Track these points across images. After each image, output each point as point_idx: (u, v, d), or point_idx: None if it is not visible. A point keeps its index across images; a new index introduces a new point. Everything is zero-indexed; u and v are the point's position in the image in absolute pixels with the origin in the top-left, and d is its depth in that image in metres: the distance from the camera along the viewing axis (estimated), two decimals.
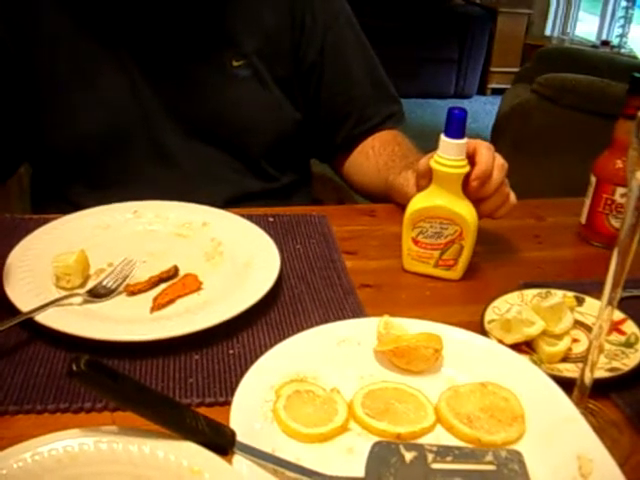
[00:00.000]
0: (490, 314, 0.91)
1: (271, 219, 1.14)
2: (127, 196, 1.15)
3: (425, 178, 1.04)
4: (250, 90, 1.27)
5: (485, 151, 1.01)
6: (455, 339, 0.84)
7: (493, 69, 6.09)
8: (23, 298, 0.89)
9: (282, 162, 1.37)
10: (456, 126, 0.98)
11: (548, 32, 6.31)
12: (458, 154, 0.98)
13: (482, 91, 6.11)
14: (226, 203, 1.19)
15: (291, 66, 1.31)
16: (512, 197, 1.07)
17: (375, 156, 1.32)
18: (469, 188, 1.00)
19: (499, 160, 1.04)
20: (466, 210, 1.00)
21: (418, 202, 1.02)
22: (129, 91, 1.22)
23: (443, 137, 0.99)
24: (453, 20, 5.75)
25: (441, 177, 0.99)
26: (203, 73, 1.25)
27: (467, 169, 0.99)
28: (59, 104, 1.12)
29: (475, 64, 5.91)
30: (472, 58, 5.86)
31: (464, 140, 0.98)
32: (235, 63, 1.25)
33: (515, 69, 5.23)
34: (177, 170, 1.27)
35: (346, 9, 1.36)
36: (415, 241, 1.03)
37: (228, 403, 0.74)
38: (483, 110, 5.55)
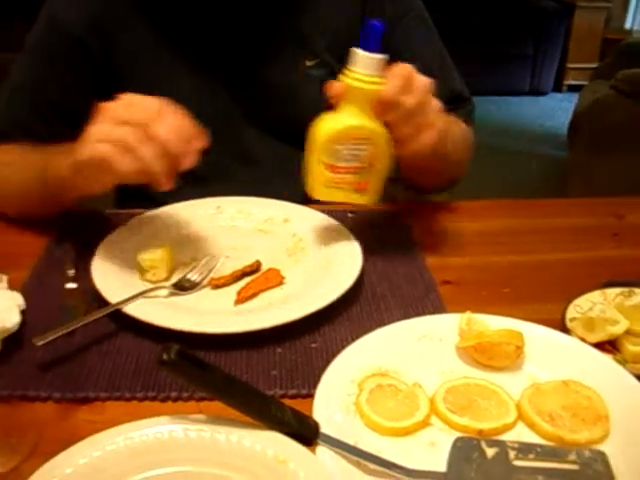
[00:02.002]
0: (572, 312, 0.90)
1: (351, 215, 1.15)
2: (208, 193, 1.17)
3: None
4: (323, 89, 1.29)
5: (398, 70, 0.92)
6: (537, 336, 0.84)
7: (570, 65, 5.96)
8: (111, 290, 0.92)
9: None
10: (372, 37, 0.90)
11: (628, 25, 6.14)
12: (373, 69, 0.91)
13: (558, 88, 5.99)
14: (303, 200, 1.20)
15: None
16: (430, 134, 0.95)
17: None
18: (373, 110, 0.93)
19: (419, 82, 0.94)
20: (381, 129, 0.94)
21: (329, 123, 0.96)
22: (208, 94, 1.24)
23: (356, 49, 0.91)
24: (529, 15, 5.66)
25: (353, 94, 0.92)
26: (278, 74, 1.26)
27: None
28: None
29: (551, 60, 5.80)
30: (548, 54, 5.75)
31: (381, 55, 0.91)
32: (308, 63, 1.26)
33: (593, 65, 5.12)
34: (256, 168, 1.29)
35: (418, 5, 1.34)
36: (329, 166, 0.97)
37: (310, 395, 0.76)
38: (559, 107, 5.44)
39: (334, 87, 0.94)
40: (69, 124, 1.22)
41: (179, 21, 1.23)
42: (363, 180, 0.98)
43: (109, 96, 1.25)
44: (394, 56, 1.28)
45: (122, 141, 0.89)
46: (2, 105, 1.28)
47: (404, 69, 0.92)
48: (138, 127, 0.89)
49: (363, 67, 0.91)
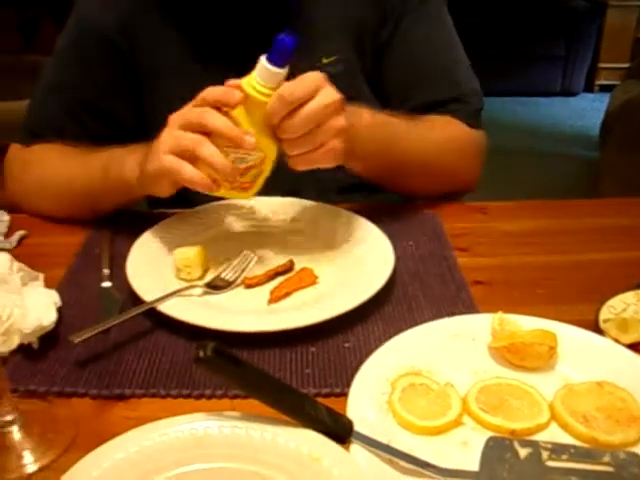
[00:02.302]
0: (605, 313, 0.90)
1: (383, 215, 1.15)
2: None
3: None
4: (341, 86, 1.28)
5: (300, 80, 0.92)
6: (570, 337, 0.83)
7: (601, 65, 5.90)
8: (146, 289, 0.94)
9: None
10: (277, 52, 0.91)
11: None
12: (270, 81, 0.91)
13: (589, 88, 5.94)
14: (330, 196, 1.20)
15: (374, 59, 1.29)
16: (321, 154, 0.95)
17: None
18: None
19: (324, 96, 0.93)
20: (269, 139, 0.95)
21: None
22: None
23: (262, 58, 0.91)
24: (560, 15, 5.62)
25: (248, 100, 0.92)
26: (295, 72, 1.27)
27: None
28: (166, 108, 1.17)
29: (582, 60, 5.75)
30: (579, 54, 5.70)
31: (281, 70, 0.91)
32: (325, 60, 1.25)
33: (625, 64, 5.06)
34: (281, 167, 1.30)
35: (434, 2, 1.30)
36: None
37: (344, 394, 0.77)
38: (591, 108, 5.39)
39: (232, 91, 0.93)
40: (103, 124, 1.24)
41: (200, 22, 1.24)
42: (247, 181, 0.98)
43: (140, 97, 1.27)
44: (389, 46, 1.27)
45: (188, 151, 0.92)
46: (35, 106, 1.30)
47: (308, 76, 0.93)
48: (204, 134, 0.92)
49: (261, 77, 0.91)
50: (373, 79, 1.30)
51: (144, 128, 1.19)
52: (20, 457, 0.72)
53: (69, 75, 1.26)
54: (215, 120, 0.92)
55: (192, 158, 0.93)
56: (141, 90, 1.26)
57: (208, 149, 0.92)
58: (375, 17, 1.25)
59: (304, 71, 0.98)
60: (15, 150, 1.29)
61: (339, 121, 0.94)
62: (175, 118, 0.95)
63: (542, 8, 5.58)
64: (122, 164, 1.07)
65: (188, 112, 0.95)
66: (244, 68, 1.24)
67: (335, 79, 1.26)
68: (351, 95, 1.28)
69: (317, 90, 0.92)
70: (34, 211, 1.22)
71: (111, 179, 1.09)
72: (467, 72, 1.32)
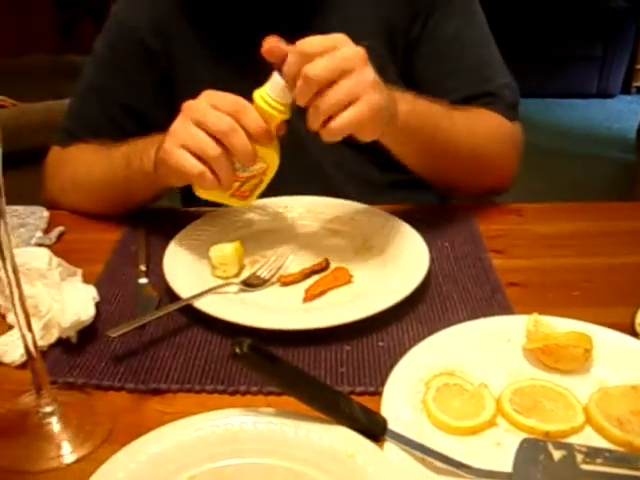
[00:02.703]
0: None
1: (418, 216, 1.15)
2: (268, 192, 1.18)
3: None
4: None
5: (319, 38, 0.87)
6: (606, 340, 0.83)
7: (639, 66, 5.85)
8: (182, 285, 0.95)
9: None
10: None
11: None
12: (281, 96, 0.91)
13: (627, 90, 5.87)
14: (363, 198, 1.20)
15: (407, 58, 1.28)
16: (361, 105, 0.88)
17: None
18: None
19: (346, 50, 0.88)
20: (275, 150, 0.96)
21: None
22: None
23: (275, 73, 0.91)
24: (598, 16, 5.57)
25: (259, 112, 0.92)
26: None
27: (285, 117, 0.93)
28: None
29: (620, 61, 5.69)
30: (617, 55, 5.64)
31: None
32: None
33: None
34: (316, 167, 1.30)
35: None
36: None
37: (378, 393, 0.77)
38: (628, 110, 5.34)
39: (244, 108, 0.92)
40: (139, 125, 1.25)
41: (232, 25, 1.25)
42: (247, 190, 1.00)
43: (174, 98, 1.28)
44: (419, 43, 1.26)
45: (200, 150, 0.93)
46: (73, 108, 1.32)
47: (319, 40, 0.88)
48: (219, 131, 0.92)
49: (273, 91, 0.91)
50: (405, 77, 1.29)
51: None
52: (59, 447, 0.73)
53: (105, 77, 1.28)
54: (235, 139, 0.92)
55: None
56: (174, 91, 1.28)
57: (224, 164, 0.93)
58: (406, 14, 1.25)
59: None
60: (53, 151, 1.32)
61: (368, 73, 0.89)
62: (192, 112, 0.94)
63: (580, 8, 5.53)
64: (142, 155, 1.07)
65: (209, 113, 0.93)
66: (267, 68, 1.25)
67: None
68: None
69: (336, 47, 0.87)
70: (70, 208, 1.25)
71: (133, 171, 1.10)
72: (499, 68, 1.30)
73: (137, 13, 1.26)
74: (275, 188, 1.15)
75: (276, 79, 0.91)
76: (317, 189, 1.20)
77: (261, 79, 1.20)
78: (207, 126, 0.92)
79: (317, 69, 0.85)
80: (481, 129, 1.21)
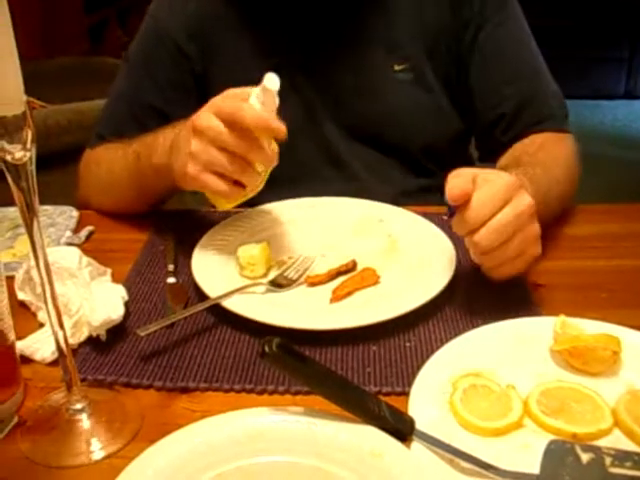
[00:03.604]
0: None
1: (445, 216, 1.15)
2: (300, 193, 1.19)
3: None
4: (411, 94, 1.27)
5: (490, 190, 0.86)
6: (634, 342, 0.83)
7: None
8: (210, 285, 0.95)
9: (443, 159, 1.36)
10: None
11: None
12: (270, 103, 0.93)
13: None
14: (393, 202, 1.21)
15: (452, 65, 1.29)
16: (525, 259, 0.91)
17: (509, 154, 1.22)
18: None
19: (517, 205, 0.87)
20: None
21: None
22: (294, 94, 1.26)
23: (269, 75, 0.93)
24: (625, 17, 5.52)
25: None
26: (366, 78, 1.27)
27: None
28: None
29: None
30: None
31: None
32: (397, 67, 1.26)
33: None
34: (345, 170, 1.31)
35: (512, 3, 1.29)
36: None
37: (405, 393, 0.77)
38: None
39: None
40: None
41: (268, 19, 1.25)
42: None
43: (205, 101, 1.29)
44: (482, 60, 1.26)
45: (228, 172, 0.94)
46: (106, 111, 1.33)
47: (487, 199, 0.86)
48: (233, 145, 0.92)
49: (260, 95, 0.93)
50: (452, 86, 1.30)
51: None
52: (88, 444, 0.74)
53: (135, 80, 1.30)
54: (253, 155, 0.94)
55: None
56: (209, 94, 1.28)
57: (251, 175, 0.95)
58: (453, 23, 1.25)
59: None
60: (85, 154, 1.33)
61: (534, 228, 0.90)
62: (207, 131, 0.94)
63: (607, 9, 5.49)
64: (150, 151, 1.08)
65: (224, 132, 0.93)
66: (308, 66, 1.25)
67: (405, 86, 1.26)
68: (422, 103, 1.28)
69: (508, 200, 0.87)
70: (98, 209, 1.26)
71: (143, 166, 1.11)
72: (547, 73, 1.31)
73: (170, 15, 1.26)
74: (310, 191, 1.15)
75: (267, 87, 0.92)
76: (348, 193, 1.21)
77: (299, 81, 1.21)
78: (226, 145, 0.92)
79: (490, 239, 0.86)
80: (564, 169, 1.17)
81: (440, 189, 1.28)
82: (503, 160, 1.20)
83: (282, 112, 0.94)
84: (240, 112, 0.91)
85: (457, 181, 0.86)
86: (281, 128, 0.92)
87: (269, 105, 0.93)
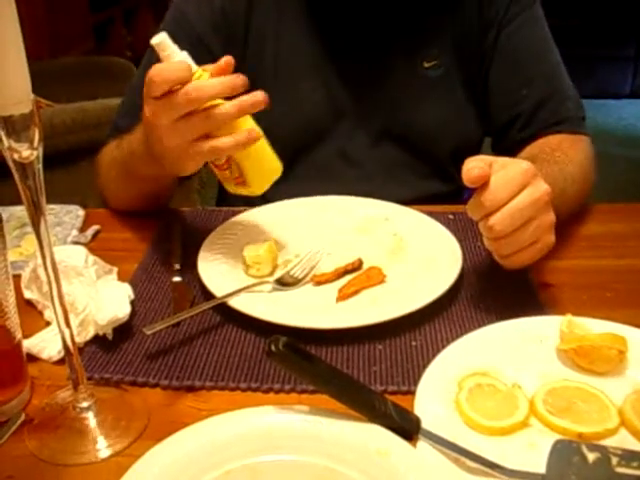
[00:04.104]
0: None
1: (451, 216, 1.15)
2: (311, 191, 1.19)
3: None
4: (439, 93, 1.27)
5: (506, 175, 0.86)
6: None
7: None
8: (216, 284, 0.95)
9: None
10: None
11: None
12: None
13: None
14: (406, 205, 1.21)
15: (475, 64, 1.29)
16: (540, 247, 0.90)
17: (524, 153, 1.22)
18: None
19: (533, 192, 0.87)
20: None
21: None
22: (325, 93, 1.26)
23: None
24: (631, 16, 5.51)
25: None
26: (396, 75, 1.27)
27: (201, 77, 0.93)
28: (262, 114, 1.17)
29: None
30: None
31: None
32: (426, 64, 1.26)
33: None
34: (360, 170, 1.31)
35: (536, 4, 1.30)
36: (212, 164, 0.98)
37: (410, 392, 0.77)
38: None
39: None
40: None
41: (301, 16, 1.25)
42: (236, 174, 0.98)
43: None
44: (503, 59, 1.26)
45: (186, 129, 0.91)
46: (122, 105, 1.32)
47: (503, 183, 0.86)
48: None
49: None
50: (473, 84, 1.30)
51: None
52: (95, 442, 0.74)
53: None
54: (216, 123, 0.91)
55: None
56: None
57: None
58: (477, 26, 1.26)
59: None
60: (102, 150, 1.31)
61: (549, 217, 0.89)
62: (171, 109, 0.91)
63: (612, 7, 5.48)
64: (138, 143, 1.06)
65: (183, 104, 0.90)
66: (339, 65, 1.25)
67: (433, 84, 1.26)
68: (448, 101, 1.28)
69: (525, 186, 0.87)
70: (109, 205, 1.26)
71: (135, 158, 1.09)
72: (565, 73, 1.31)
73: (199, 7, 1.24)
74: (323, 190, 1.15)
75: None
76: (356, 192, 1.21)
77: (330, 74, 1.19)
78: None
79: (504, 224, 0.86)
80: (580, 169, 1.17)
81: (458, 194, 1.29)
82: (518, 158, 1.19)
83: (310, 108, 0.94)
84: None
85: (475, 164, 0.86)
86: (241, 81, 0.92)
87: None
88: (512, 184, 0.86)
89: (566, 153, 1.16)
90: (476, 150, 1.38)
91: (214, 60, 1.24)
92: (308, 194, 1.18)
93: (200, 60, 1.25)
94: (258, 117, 1.08)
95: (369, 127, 1.29)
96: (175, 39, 1.26)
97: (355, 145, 1.29)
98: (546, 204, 0.88)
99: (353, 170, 1.30)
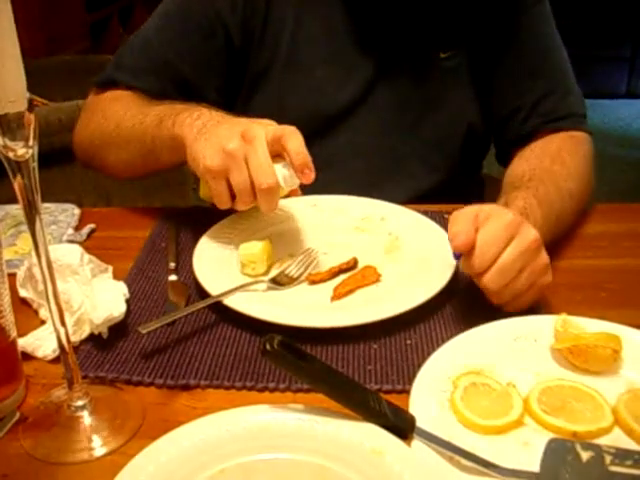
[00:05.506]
0: None
1: (447, 216, 1.14)
2: (315, 182, 1.19)
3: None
4: (455, 81, 1.28)
5: (490, 235, 0.86)
6: (634, 341, 0.83)
7: None
8: (212, 283, 0.95)
9: (468, 160, 1.37)
10: None
11: None
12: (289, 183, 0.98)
13: None
14: (409, 199, 1.21)
15: (482, 56, 1.29)
16: (529, 296, 0.90)
17: (522, 162, 1.20)
18: None
19: (520, 243, 0.86)
20: None
21: None
22: (342, 85, 1.26)
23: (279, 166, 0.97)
24: (626, 16, 5.51)
25: None
26: (412, 64, 1.27)
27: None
28: (270, 90, 1.16)
29: None
30: None
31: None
32: (443, 55, 1.26)
33: None
34: (367, 162, 1.30)
35: (545, 1, 1.30)
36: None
37: (405, 391, 0.78)
38: None
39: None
40: (183, 91, 1.23)
41: (323, 5, 1.25)
42: None
43: (235, 76, 1.25)
44: (502, 43, 1.26)
45: (238, 193, 0.95)
46: (124, 54, 1.29)
47: (496, 234, 0.86)
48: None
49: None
50: (479, 74, 1.30)
51: (227, 107, 1.17)
52: (90, 440, 0.74)
53: (167, 36, 1.25)
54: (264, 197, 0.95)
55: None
56: (250, 67, 1.26)
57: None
58: (490, 14, 1.26)
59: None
60: (90, 98, 1.31)
61: (541, 260, 0.89)
62: (250, 153, 0.94)
63: (608, 7, 5.48)
64: (175, 120, 1.05)
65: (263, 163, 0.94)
66: (356, 55, 1.24)
67: (449, 75, 1.26)
68: (461, 92, 1.28)
69: (510, 239, 0.86)
70: (95, 160, 1.25)
71: (162, 131, 1.08)
72: (569, 69, 1.32)
73: None
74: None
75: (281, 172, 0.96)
76: (354, 191, 1.21)
77: (346, 64, 1.18)
78: (252, 175, 0.94)
79: (496, 282, 0.86)
80: (578, 182, 1.16)
81: (456, 191, 1.28)
82: (515, 169, 1.19)
83: (323, 98, 0.91)
84: (286, 136, 0.93)
85: (459, 229, 0.87)
86: (312, 174, 0.96)
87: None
88: (498, 241, 0.86)
89: (565, 163, 1.15)
90: (486, 145, 1.39)
91: (228, 37, 1.23)
92: (312, 184, 1.17)
93: (212, 36, 1.23)
94: (270, 104, 1.07)
95: (381, 119, 1.29)
96: (189, 10, 1.24)
97: (365, 136, 1.29)
98: (536, 250, 0.88)
99: (360, 161, 1.30)
